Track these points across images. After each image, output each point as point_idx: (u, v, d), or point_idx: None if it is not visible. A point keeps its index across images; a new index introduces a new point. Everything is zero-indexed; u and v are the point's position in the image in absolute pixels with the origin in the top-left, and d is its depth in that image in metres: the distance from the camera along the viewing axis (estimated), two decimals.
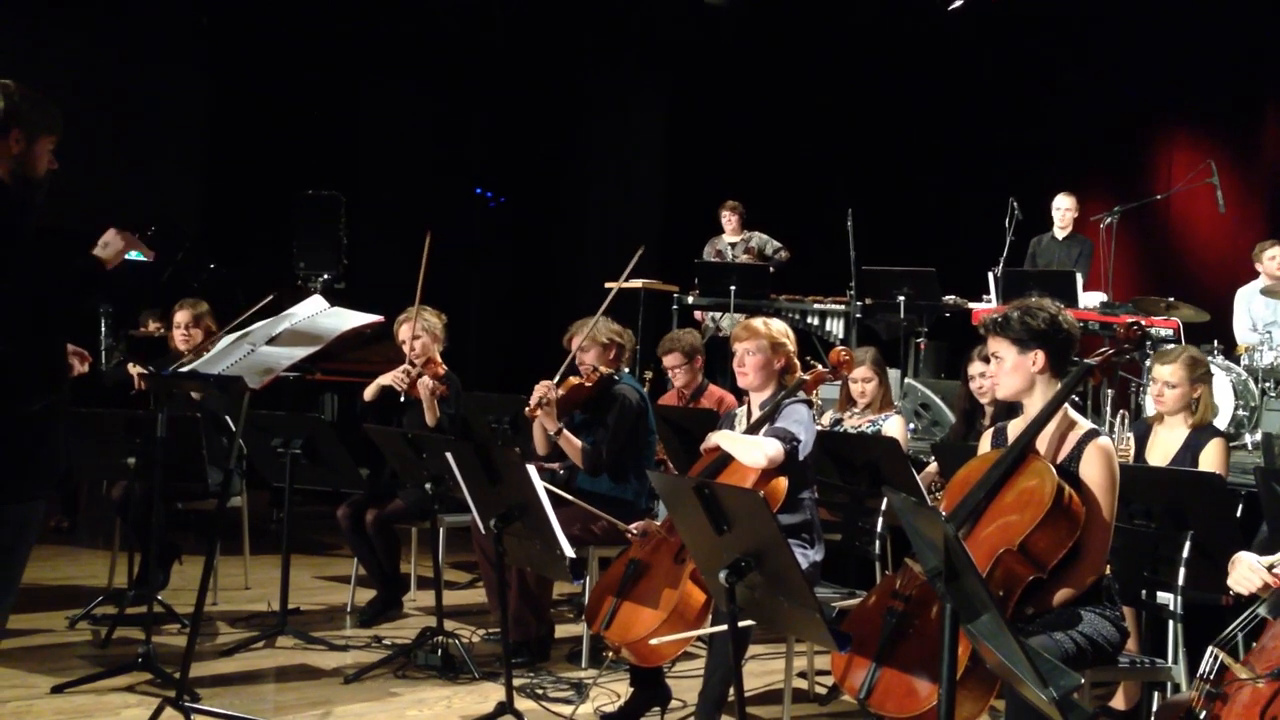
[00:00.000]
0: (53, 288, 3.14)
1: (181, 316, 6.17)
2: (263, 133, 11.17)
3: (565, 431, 5.14)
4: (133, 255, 3.48)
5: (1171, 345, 6.04)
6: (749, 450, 4.14)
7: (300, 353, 4.06)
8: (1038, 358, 3.48)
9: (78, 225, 3.35)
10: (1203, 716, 2.73)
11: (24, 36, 10.19)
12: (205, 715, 4.07)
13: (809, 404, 4.38)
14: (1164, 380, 4.79)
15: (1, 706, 4.23)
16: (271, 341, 3.95)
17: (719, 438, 4.29)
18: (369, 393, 5.95)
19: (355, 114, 12.05)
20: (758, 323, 4.45)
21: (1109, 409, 6.61)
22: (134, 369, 6.33)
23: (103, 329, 7.94)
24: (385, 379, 5.87)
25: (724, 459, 4.25)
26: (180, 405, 5.84)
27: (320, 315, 4.02)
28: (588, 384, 5.19)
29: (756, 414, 4.37)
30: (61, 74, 9.59)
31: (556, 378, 5.13)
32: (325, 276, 9.49)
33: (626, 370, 5.47)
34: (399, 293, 6.36)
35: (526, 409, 5.08)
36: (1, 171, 3.19)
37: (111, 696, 4.47)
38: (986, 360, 5.47)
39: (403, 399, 5.87)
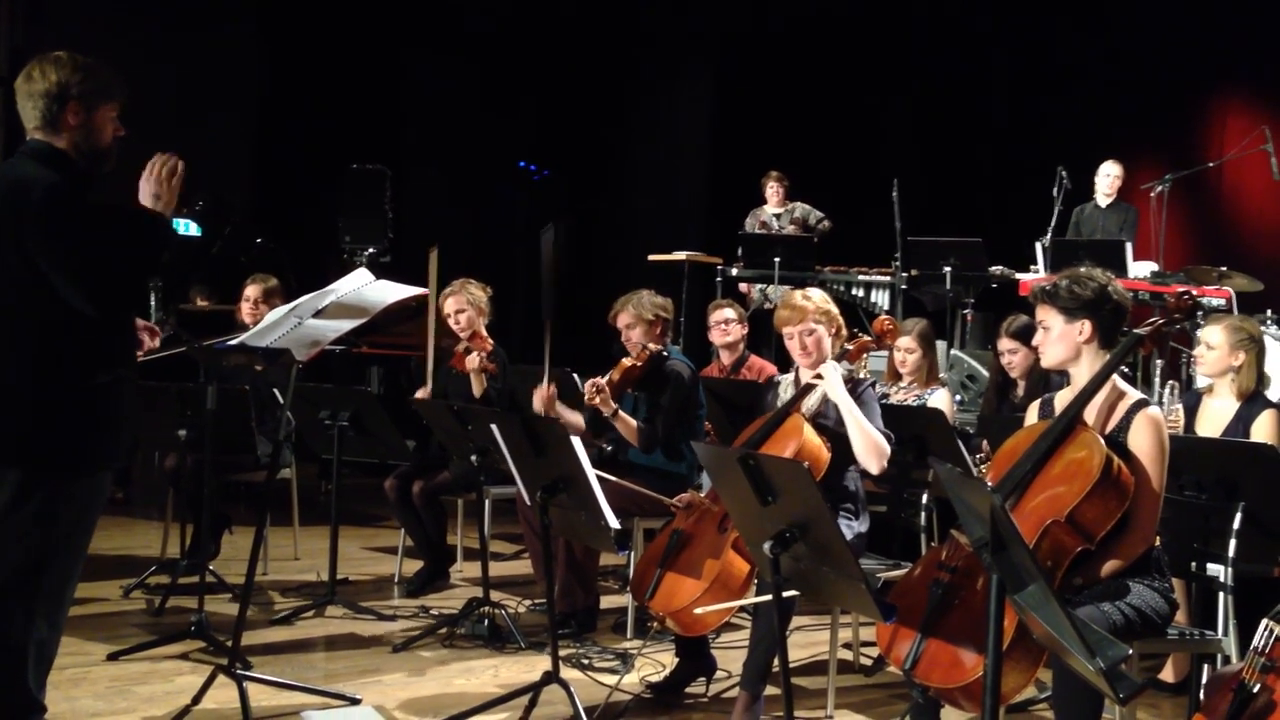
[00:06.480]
0: (127, 251, 3.15)
1: (251, 291, 6.21)
2: (310, 107, 11.24)
3: (620, 412, 5.14)
4: (182, 230, 3.51)
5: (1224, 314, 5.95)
6: (871, 446, 4.10)
7: (346, 325, 4.09)
8: (1084, 327, 3.44)
9: (128, 198, 3.35)
10: (1256, 689, 2.71)
11: (75, 12, 10.30)
12: (257, 682, 4.13)
13: (872, 384, 4.35)
14: (1205, 341, 4.77)
15: (59, 673, 4.30)
16: (318, 314, 3.99)
17: (848, 411, 4.15)
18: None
19: (401, 88, 12.08)
20: (799, 300, 4.35)
21: (1158, 379, 6.52)
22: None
23: (152, 303, 8.03)
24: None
25: (766, 430, 4.23)
26: (240, 377, 5.89)
27: (366, 288, 4.05)
28: (639, 363, 5.20)
29: (807, 380, 4.33)
30: (112, 50, 9.68)
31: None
32: (371, 250, 9.54)
33: (674, 345, 5.47)
34: (443, 266, 6.39)
35: (585, 399, 5.12)
36: (66, 145, 3.19)
37: (165, 664, 4.56)
38: (1014, 337, 5.48)
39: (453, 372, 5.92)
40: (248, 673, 4.13)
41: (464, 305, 5.91)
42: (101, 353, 3.19)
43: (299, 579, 6.00)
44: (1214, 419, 4.74)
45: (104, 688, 4.29)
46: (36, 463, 3.13)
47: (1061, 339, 3.47)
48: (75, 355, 3.14)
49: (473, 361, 5.76)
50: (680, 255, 9.23)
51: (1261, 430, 4.59)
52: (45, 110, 3.17)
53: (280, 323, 3.99)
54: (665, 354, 5.30)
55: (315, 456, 6.66)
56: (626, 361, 5.21)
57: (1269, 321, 7.04)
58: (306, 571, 6.11)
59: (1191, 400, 4.91)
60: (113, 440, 3.25)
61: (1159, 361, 6.68)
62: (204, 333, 6.60)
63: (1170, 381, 5.26)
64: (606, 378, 5.13)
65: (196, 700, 4.03)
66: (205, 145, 10.87)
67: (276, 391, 5.68)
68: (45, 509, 3.13)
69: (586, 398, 5.10)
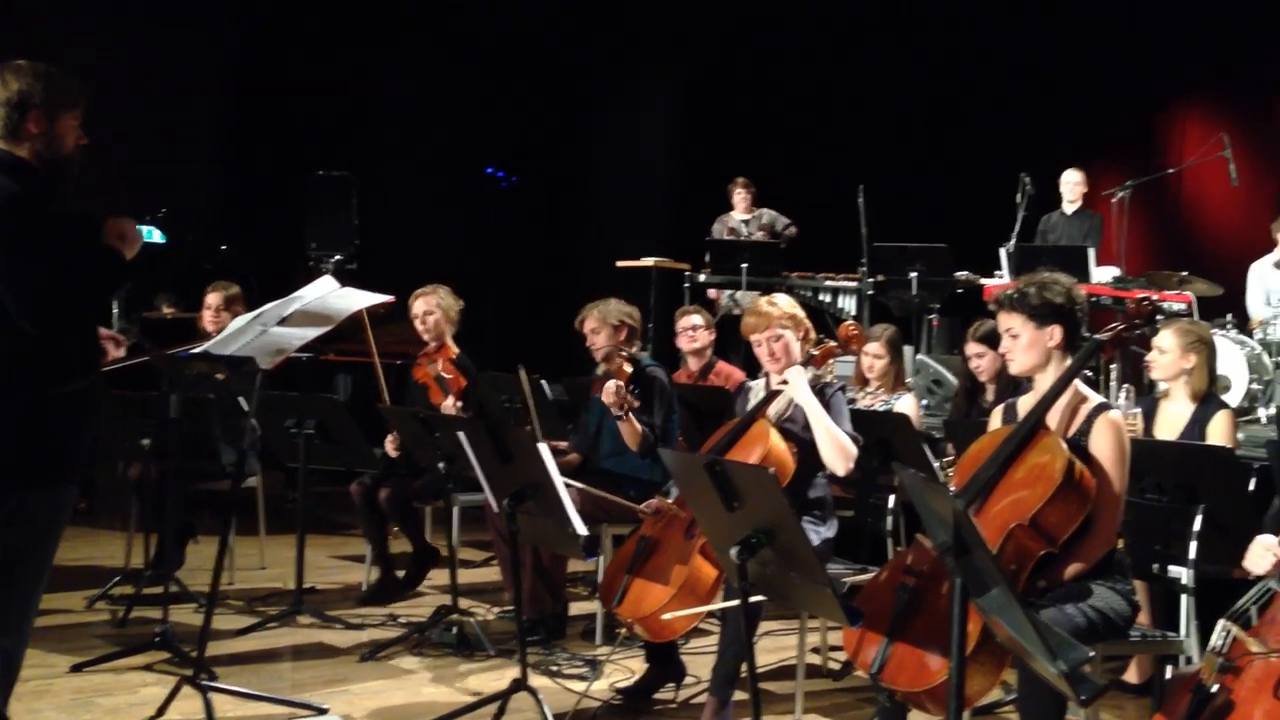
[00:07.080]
0: (81, 275, 3.12)
1: (212, 298, 6.18)
2: (274, 113, 11.18)
3: (631, 415, 5.13)
4: (147, 237, 3.49)
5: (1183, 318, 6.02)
6: (837, 447, 4.12)
7: (311, 333, 4.08)
8: (1055, 333, 3.46)
9: (89, 206, 3.32)
10: (1214, 689, 2.74)
11: (38, 17, 10.21)
12: (222, 693, 4.10)
13: (841, 388, 4.37)
14: (1156, 346, 4.82)
15: (21, 685, 4.24)
16: (283, 322, 3.97)
17: (813, 413, 4.19)
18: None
19: (366, 94, 12.04)
20: (764, 306, 4.36)
21: (1115, 383, 6.58)
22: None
23: (115, 311, 7.96)
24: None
25: (732, 435, 4.25)
26: (204, 385, 5.85)
27: (331, 296, 4.04)
28: (629, 368, 5.22)
29: (775, 386, 4.35)
30: (76, 56, 9.60)
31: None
32: (337, 257, 9.49)
33: (645, 352, 5.49)
34: (410, 273, 6.39)
35: (604, 398, 5.11)
36: (27, 154, 3.14)
37: (129, 675, 4.52)
38: (983, 341, 5.50)
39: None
40: (213, 684, 4.10)
41: (433, 308, 5.91)
42: (67, 363, 3.15)
43: (265, 588, 5.96)
44: (1171, 422, 4.79)
45: (67, 699, 4.25)
46: (1, 474, 3.09)
47: (1032, 346, 3.48)
48: (40, 365, 3.10)
49: (448, 407, 5.72)
50: (648, 261, 9.25)
51: (1217, 431, 4.65)
52: (6, 119, 3.13)
53: (244, 330, 3.97)
54: (641, 361, 5.32)
55: (282, 465, 6.61)
56: (627, 369, 5.22)
57: (1229, 325, 7.14)
58: (273, 581, 6.07)
59: (1147, 405, 4.96)
60: (79, 451, 3.21)
61: (1113, 366, 6.74)
62: (169, 340, 6.56)
63: (1125, 385, 5.31)
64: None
65: (161, 712, 4.00)
66: (169, 150, 10.82)
67: (241, 400, 5.65)
68: (10, 520, 3.09)
69: (605, 396, 5.09)
